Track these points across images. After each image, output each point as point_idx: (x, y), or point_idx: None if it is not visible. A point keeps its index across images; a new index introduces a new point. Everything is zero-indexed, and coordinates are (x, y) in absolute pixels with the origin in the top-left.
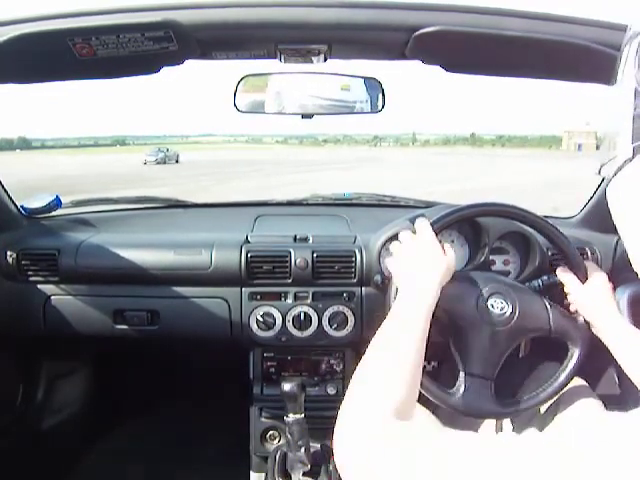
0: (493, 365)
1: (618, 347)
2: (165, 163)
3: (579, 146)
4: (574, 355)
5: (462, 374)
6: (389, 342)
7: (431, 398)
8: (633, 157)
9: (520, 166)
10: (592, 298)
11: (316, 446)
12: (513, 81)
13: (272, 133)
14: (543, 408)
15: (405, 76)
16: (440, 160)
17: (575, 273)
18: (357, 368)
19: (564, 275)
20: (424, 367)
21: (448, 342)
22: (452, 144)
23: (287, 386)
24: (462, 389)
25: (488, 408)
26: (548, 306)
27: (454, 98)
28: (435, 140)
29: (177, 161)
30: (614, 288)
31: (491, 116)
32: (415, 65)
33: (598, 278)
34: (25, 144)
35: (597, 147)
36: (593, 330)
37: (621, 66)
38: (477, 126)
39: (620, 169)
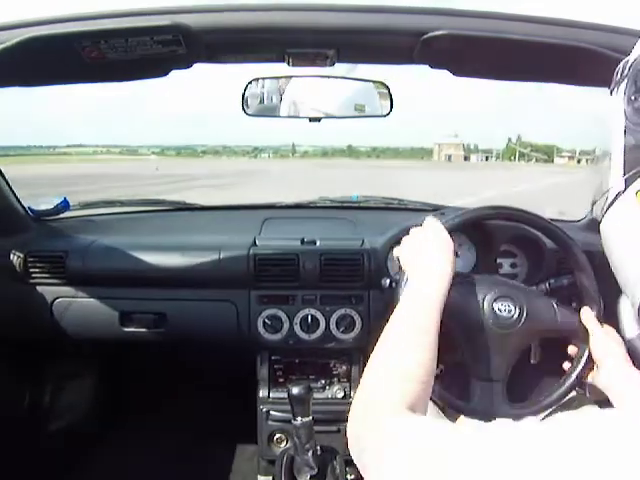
0: (504, 368)
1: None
2: None
3: (449, 157)
4: (584, 354)
5: (474, 380)
6: (402, 332)
7: (446, 406)
8: (625, 189)
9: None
10: (605, 345)
11: (323, 449)
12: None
13: (148, 144)
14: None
15: None
16: (328, 173)
17: (581, 276)
18: (371, 358)
19: (586, 317)
20: None
21: (456, 347)
22: (330, 155)
23: (294, 389)
24: (476, 396)
25: (504, 411)
26: (555, 307)
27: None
28: (314, 151)
29: None
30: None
31: (365, 128)
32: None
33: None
34: None
35: (465, 158)
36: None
37: (612, 100)
38: (353, 138)
39: (612, 203)
